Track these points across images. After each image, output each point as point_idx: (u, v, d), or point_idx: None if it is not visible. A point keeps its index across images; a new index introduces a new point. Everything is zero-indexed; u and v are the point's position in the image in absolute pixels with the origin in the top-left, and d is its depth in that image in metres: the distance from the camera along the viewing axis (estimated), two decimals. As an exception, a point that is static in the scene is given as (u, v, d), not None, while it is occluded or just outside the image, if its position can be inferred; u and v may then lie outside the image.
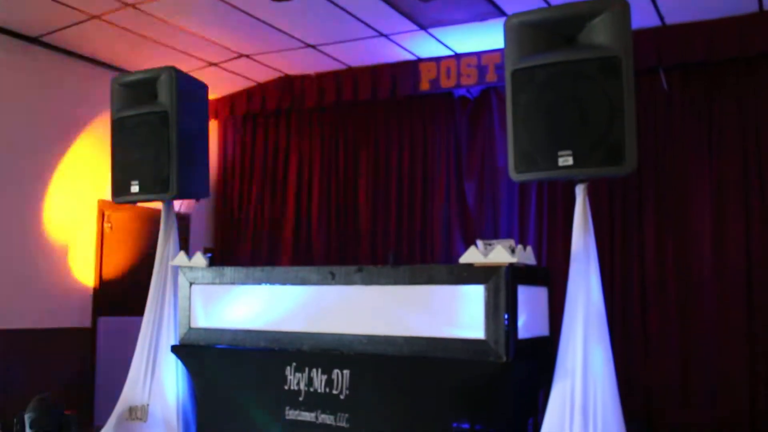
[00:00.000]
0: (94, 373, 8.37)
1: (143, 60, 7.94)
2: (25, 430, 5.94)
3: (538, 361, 5.24)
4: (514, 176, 5.01)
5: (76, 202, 8.24)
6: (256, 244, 9.68)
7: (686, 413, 7.20)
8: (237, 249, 9.74)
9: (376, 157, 9.13)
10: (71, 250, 8.20)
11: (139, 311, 6.56)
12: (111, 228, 8.65)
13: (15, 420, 6.05)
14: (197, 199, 6.56)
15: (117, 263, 8.73)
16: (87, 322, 8.37)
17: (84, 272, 8.35)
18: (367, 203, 9.10)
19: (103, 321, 8.51)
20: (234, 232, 9.89)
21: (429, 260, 8.43)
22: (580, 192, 4.97)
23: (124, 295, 8.55)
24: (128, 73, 6.90)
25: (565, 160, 4.79)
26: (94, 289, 8.44)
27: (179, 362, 6.14)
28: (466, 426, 4.82)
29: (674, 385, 7.28)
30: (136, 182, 6.36)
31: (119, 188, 6.48)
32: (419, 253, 8.64)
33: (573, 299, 4.88)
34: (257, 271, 5.72)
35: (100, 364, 8.40)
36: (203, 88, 6.70)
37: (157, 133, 6.27)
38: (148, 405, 6.26)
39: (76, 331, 8.23)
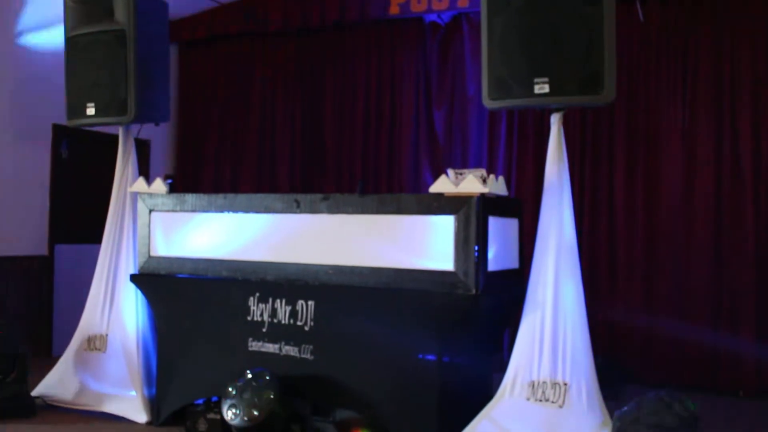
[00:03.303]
0: (51, 302, 8.18)
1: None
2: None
3: (507, 294, 5.16)
4: (488, 103, 4.84)
5: (30, 126, 7.91)
6: (219, 172, 9.45)
7: (650, 348, 7.24)
8: (199, 176, 9.50)
9: (343, 84, 8.88)
10: (25, 176, 7.90)
11: (98, 239, 6.36)
12: (67, 153, 8.36)
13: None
14: (157, 123, 6.29)
15: (74, 190, 8.46)
16: (43, 250, 8.14)
17: (39, 199, 8.08)
18: (333, 131, 8.89)
19: (61, 249, 8.30)
20: (196, 159, 9.63)
21: (396, 189, 8.28)
22: (555, 121, 4.83)
23: (81, 222, 8.31)
24: (83, -12, 6.53)
25: (541, 87, 4.63)
26: (50, 216, 8.18)
27: (139, 291, 5.97)
28: (432, 358, 4.74)
29: (639, 320, 7.29)
30: (92, 105, 6.09)
31: (74, 111, 6.21)
32: (386, 182, 8.48)
33: (545, 232, 4.78)
34: (220, 199, 5.52)
35: (58, 293, 8.21)
36: (163, 6, 6.36)
37: (113, 53, 5.98)
38: (107, 335, 6.11)
39: (32, 259, 8.00)
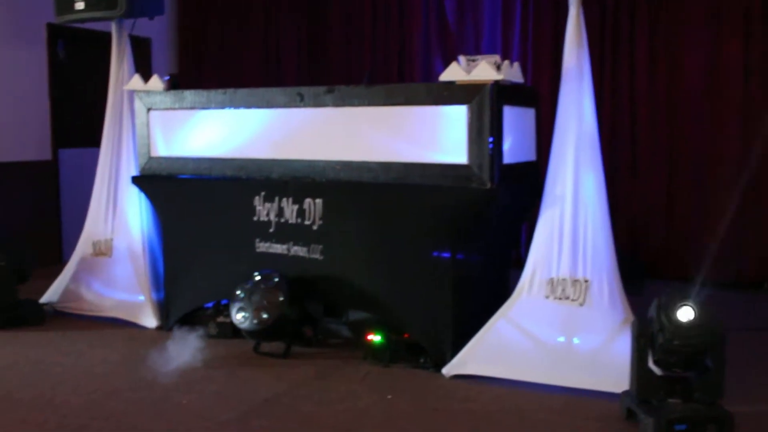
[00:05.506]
0: (59, 207, 8.04)
1: None
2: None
3: (523, 187, 4.91)
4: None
5: (23, 27, 7.57)
6: (223, 69, 9.11)
7: (671, 241, 7.02)
8: (203, 74, 9.16)
9: (349, -27, 8.44)
10: (23, 80, 7.62)
11: (101, 142, 6.14)
12: (64, 54, 8.05)
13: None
14: (151, 17, 5.94)
15: (74, 92, 8.20)
16: (47, 155, 7.94)
17: (39, 103, 7.82)
18: (340, 22, 8.51)
19: (65, 153, 8.10)
20: (200, 57, 9.28)
21: (407, 81, 7.92)
22: (573, 3, 4.46)
23: (84, 125, 8.08)
24: None
25: (559, -38, 4.26)
26: (52, 120, 7.94)
27: (142, 194, 5.77)
28: (446, 256, 4.55)
29: (660, 211, 7.07)
30: (81, -1, 5.76)
31: (62, 6, 5.89)
32: (396, 74, 8.14)
33: (564, 121, 4.49)
34: (219, 94, 5.23)
35: (64, 198, 8.07)
36: None
37: (100, -59, 5.62)
38: (112, 239, 5.96)
39: (37, 164, 7.81)
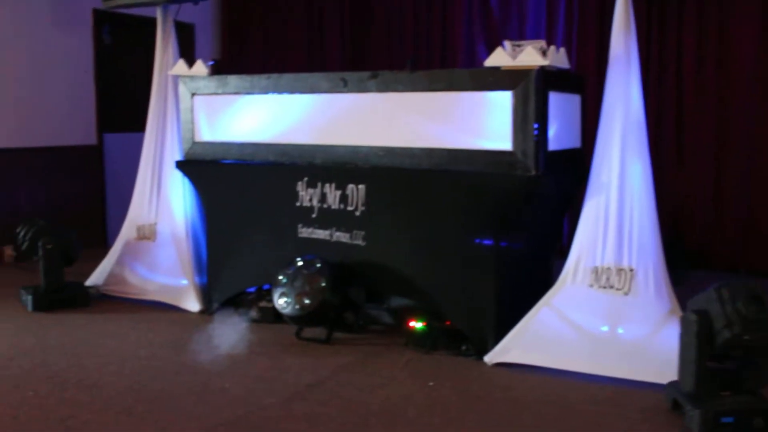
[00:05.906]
0: (104, 191, 8.14)
1: None
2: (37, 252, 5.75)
3: (569, 175, 4.86)
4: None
5: (69, 12, 7.67)
6: (266, 54, 9.13)
7: (716, 229, 6.90)
8: (247, 60, 9.19)
9: (392, -43, 8.38)
10: (69, 65, 7.72)
11: (145, 127, 6.20)
12: (110, 39, 8.13)
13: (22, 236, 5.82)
14: (195, 2, 5.97)
15: (119, 77, 8.28)
16: (92, 140, 8.04)
17: (85, 87, 7.92)
18: (383, 8, 8.45)
19: (109, 138, 8.19)
20: (243, 42, 9.30)
21: (450, 67, 7.87)
22: (621, -13, 4.39)
23: (129, 110, 8.16)
24: None
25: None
26: (97, 104, 8.03)
27: (185, 178, 5.81)
28: (489, 242, 4.51)
29: (706, 200, 6.94)
30: (127, -16, 5.82)
31: (108, -9, 5.95)
32: (439, 62, 8.08)
33: (611, 108, 4.43)
34: (263, 80, 5.24)
35: (109, 182, 8.17)
36: None
37: (145, -73, 5.65)
38: (155, 223, 6.02)
39: (81, 148, 7.92)
